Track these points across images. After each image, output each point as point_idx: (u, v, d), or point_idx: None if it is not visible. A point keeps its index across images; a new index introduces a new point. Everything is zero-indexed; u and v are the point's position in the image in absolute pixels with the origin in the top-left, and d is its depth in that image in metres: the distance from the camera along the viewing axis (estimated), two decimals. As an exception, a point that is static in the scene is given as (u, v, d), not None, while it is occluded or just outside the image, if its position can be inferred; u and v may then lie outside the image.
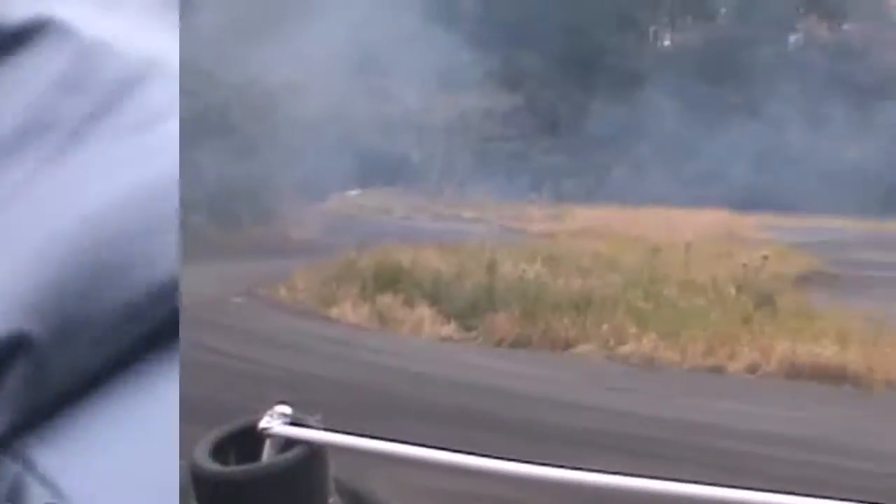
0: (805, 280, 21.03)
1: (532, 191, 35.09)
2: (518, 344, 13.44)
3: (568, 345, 13.26)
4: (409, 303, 15.10)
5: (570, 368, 12.26)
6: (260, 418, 5.54)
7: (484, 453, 5.07)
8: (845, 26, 53.59)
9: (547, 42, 44.83)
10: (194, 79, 26.32)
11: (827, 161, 44.41)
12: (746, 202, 39.99)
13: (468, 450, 5.05)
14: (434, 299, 14.99)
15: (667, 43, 56.52)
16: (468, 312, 14.40)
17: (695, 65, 47.06)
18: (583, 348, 13.13)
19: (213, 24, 25.75)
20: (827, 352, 12.16)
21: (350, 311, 15.26)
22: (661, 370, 12.31)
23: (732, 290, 15.48)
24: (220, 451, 5.60)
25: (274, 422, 5.56)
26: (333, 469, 5.63)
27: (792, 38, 55.02)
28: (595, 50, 48.94)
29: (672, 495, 4.11)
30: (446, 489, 7.10)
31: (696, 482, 3.69)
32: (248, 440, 5.60)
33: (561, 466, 4.64)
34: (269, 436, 5.67)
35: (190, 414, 7.24)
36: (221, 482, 5.56)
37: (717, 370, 12.32)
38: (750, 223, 35.45)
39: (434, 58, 33.73)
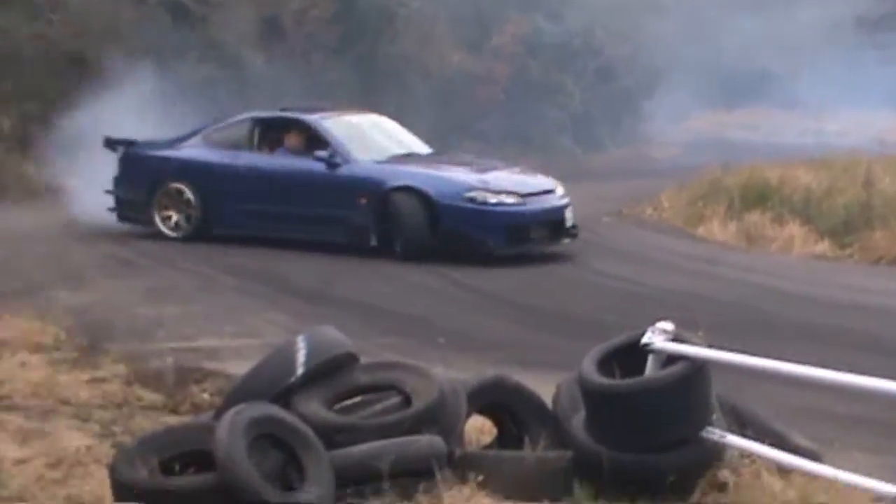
0: None
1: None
2: (899, 262, 12.96)
3: (954, 264, 12.69)
4: (778, 221, 14.80)
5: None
6: (642, 335, 5.70)
7: (862, 374, 4.96)
8: None
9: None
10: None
11: None
12: None
13: (845, 370, 4.96)
14: (805, 217, 14.62)
15: None
16: (842, 230, 13.97)
17: None
18: (967, 265, 12.52)
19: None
20: None
21: (717, 230, 15.11)
22: None
23: None
24: (605, 364, 5.82)
25: (656, 338, 5.71)
26: (716, 386, 5.65)
27: None
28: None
29: None
30: (825, 410, 6.99)
31: None
32: (630, 355, 5.78)
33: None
34: (652, 351, 5.84)
35: (576, 330, 7.48)
36: (609, 394, 5.79)
37: None
38: None
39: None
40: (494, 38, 27.48)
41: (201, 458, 5.21)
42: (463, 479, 5.31)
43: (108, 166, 13.74)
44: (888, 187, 14.65)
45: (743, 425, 5.72)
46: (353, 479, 5.21)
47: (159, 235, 13.37)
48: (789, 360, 5.25)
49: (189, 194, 13.34)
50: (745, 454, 5.40)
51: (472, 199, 12.43)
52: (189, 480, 5.17)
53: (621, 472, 5.24)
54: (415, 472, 5.22)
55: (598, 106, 29.00)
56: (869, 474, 4.96)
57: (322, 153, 12.96)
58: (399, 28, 25.07)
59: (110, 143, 13.93)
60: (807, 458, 5.38)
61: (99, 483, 5.56)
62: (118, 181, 13.74)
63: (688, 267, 12.81)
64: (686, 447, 5.27)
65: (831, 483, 5.07)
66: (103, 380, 7.84)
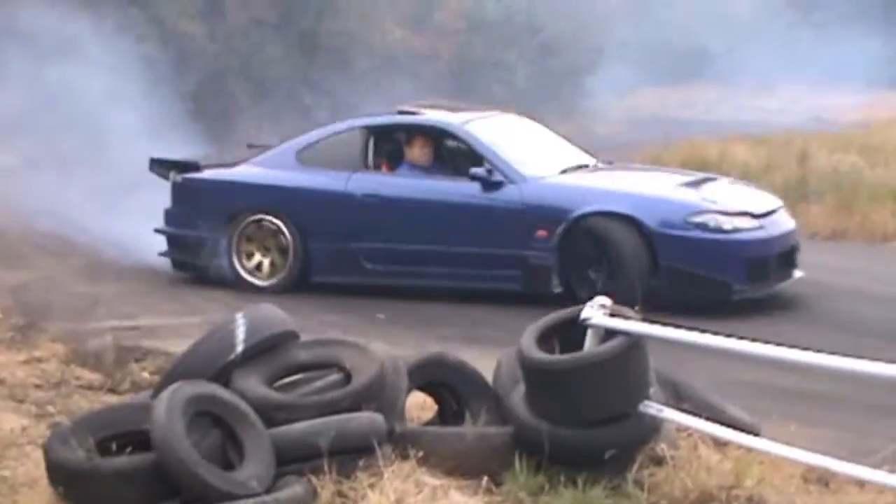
0: None
1: (844, 77, 33.62)
2: (833, 236, 13.09)
3: (887, 237, 12.72)
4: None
5: (890, 261, 11.84)
6: (581, 310, 5.74)
7: (800, 348, 5.02)
8: None
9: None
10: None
11: None
12: None
13: (785, 344, 5.01)
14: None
15: None
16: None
17: None
18: (903, 240, 12.64)
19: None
20: None
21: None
22: None
23: None
24: (544, 340, 5.85)
25: (594, 313, 5.76)
26: (654, 361, 5.72)
27: None
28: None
29: None
30: (764, 383, 7.08)
31: None
32: (570, 330, 5.81)
33: (881, 361, 4.56)
34: (591, 326, 5.88)
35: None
36: (547, 370, 5.83)
37: None
38: None
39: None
40: (437, 15, 27.43)
41: (139, 438, 5.18)
42: (403, 456, 5.33)
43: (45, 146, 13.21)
44: (823, 163, 14.85)
45: (681, 399, 5.78)
46: (293, 456, 5.21)
47: (234, 286, 10.21)
48: (729, 335, 5.31)
49: (284, 231, 10.22)
50: (683, 428, 5.46)
51: (702, 226, 9.40)
52: (125, 460, 5.14)
53: (561, 446, 5.27)
54: (355, 450, 5.23)
55: (541, 82, 29.01)
56: (803, 446, 5.02)
57: (479, 170, 9.83)
58: (341, 5, 24.93)
59: (159, 167, 10.91)
60: (744, 431, 5.44)
61: (34, 464, 5.52)
62: (173, 216, 10.70)
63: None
64: (624, 421, 5.31)
65: (766, 455, 5.15)
66: (40, 359, 7.79)
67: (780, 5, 34.94)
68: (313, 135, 10.69)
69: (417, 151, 10.31)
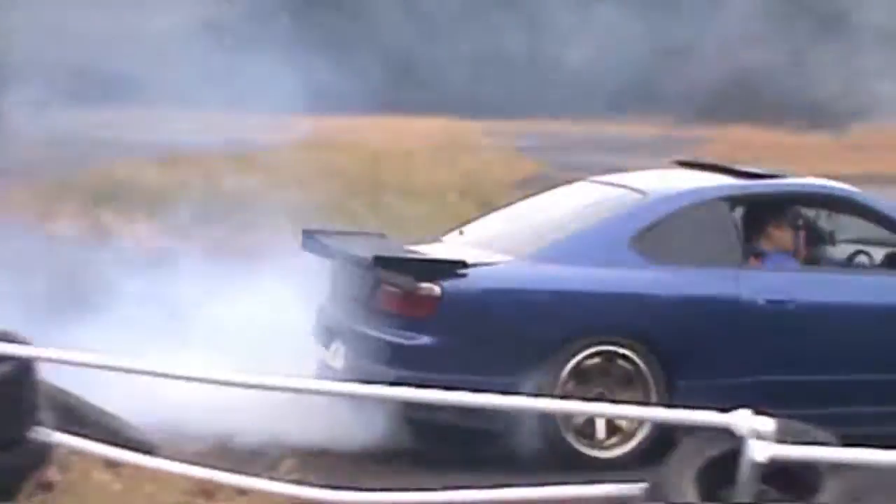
0: (527, 184, 21.67)
1: (258, 100, 34.76)
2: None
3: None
4: (127, 216, 15.10)
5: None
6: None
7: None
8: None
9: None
10: None
11: (548, 65, 45.46)
12: (467, 109, 40.59)
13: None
14: (152, 212, 15.03)
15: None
16: (187, 225, 14.44)
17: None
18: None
19: None
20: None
21: (68, 227, 15.05)
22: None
23: (455, 196, 16.15)
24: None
25: (-11, 340, 5.53)
26: (47, 384, 5.64)
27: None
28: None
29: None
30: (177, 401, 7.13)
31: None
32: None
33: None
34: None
35: None
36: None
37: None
38: (472, 129, 36.41)
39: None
40: None
41: None
42: None
43: None
44: (232, 184, 15.41)
45: (78, 422, 5.72)
46: None
47: (557, 463, 6.23)
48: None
49: (639, 365, 6.48)
50: (76, 451, 5.42)
51: None
52: None
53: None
54: None
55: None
56: (196, 462, 5.16)
57: None
58: None
59: (389, 268, 6.55)
60: (141, 450, 5.48)
61: None
62: (428, 353, 6.47)
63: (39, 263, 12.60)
64: (10, 449, 5.19)
65: (160, 472, 5.24)
66: None
67: (197, 28, 35.56)
68: (646, 211, 6.88)
69: (791, 232, 7.13)
